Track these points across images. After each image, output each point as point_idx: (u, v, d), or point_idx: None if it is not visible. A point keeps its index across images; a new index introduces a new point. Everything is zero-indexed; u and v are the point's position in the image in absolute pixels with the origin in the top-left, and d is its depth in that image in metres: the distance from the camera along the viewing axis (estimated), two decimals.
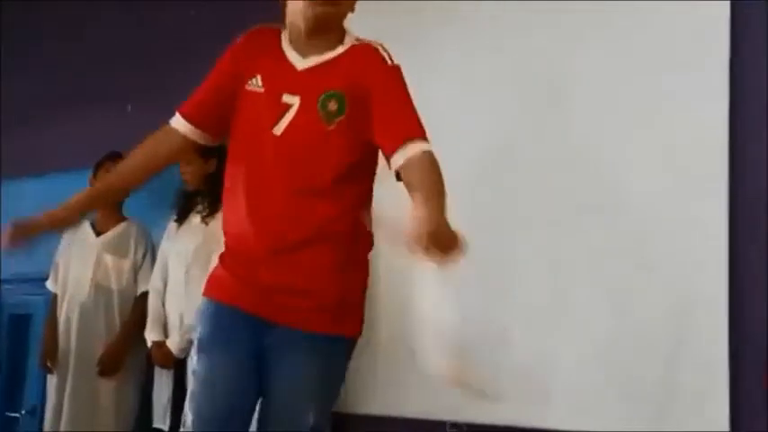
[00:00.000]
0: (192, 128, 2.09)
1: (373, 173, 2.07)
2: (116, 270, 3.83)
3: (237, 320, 2.02)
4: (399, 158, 1.92)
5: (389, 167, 1.95)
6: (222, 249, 2.10)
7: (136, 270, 3.84)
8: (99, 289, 3.81)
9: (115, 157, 3.38)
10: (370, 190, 2.09)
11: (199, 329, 2.08)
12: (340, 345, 2.05)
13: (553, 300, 2.92)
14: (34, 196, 3.92)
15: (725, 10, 2.75)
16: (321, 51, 2.05)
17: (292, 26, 2.05)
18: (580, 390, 2.82)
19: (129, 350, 3.72)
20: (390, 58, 2.03)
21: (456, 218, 1.81)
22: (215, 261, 2.13)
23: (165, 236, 3.71)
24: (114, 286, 3.82)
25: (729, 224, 2.67)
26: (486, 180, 3.08)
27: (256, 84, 2.05)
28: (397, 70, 2.02)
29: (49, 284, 3.96)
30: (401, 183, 1.95)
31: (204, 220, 3.52)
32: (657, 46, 2.85)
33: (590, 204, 2.89)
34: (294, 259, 1.99)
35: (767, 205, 2.68)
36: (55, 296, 3.91)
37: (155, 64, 4.36)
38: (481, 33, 3.22)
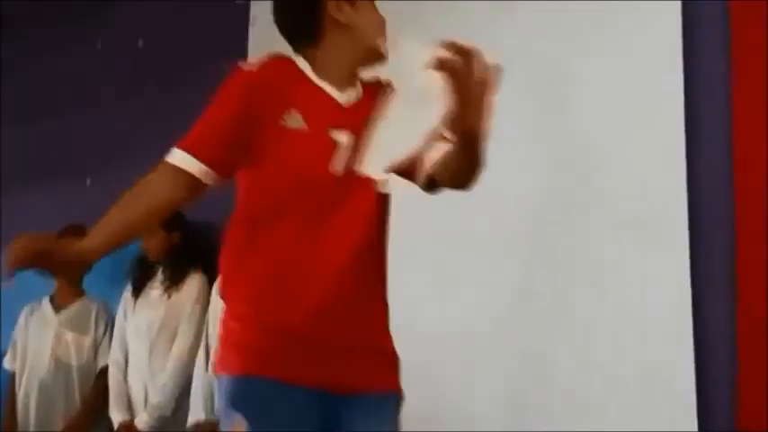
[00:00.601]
0: (203, 167, 1.76)
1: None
2: (76, 346, 3.78)
3: (305, 402, 1.68)
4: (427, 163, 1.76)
5: (421, 184, 1.81)
6: (234, 307, 1.78)
7: (96, 346, 3.79)
8: (59, 365, 3.76)
9: (76, 229, 3.32)
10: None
11: (242, 421, 1.67)
12: (399, 402, 1.83)
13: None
14: None
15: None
16: (354, 85, 1.93)
17: (342, 56, 1.90)
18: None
19: (90, 426, 3.66)
20: (390, 84, 1.91)
21: None
22: (218, 325, 1.81)
23: (120, 308, 3.67)
24: (74, 362, 3.76)
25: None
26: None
27: (297, 120, 1.82)
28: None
29: (7, 362, 3.89)
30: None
31: (167, 291, 3.51)
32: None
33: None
34: (363, 312, 1.79)
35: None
36: (13, 374, 3.85)
37: (112, 138, 4.38)
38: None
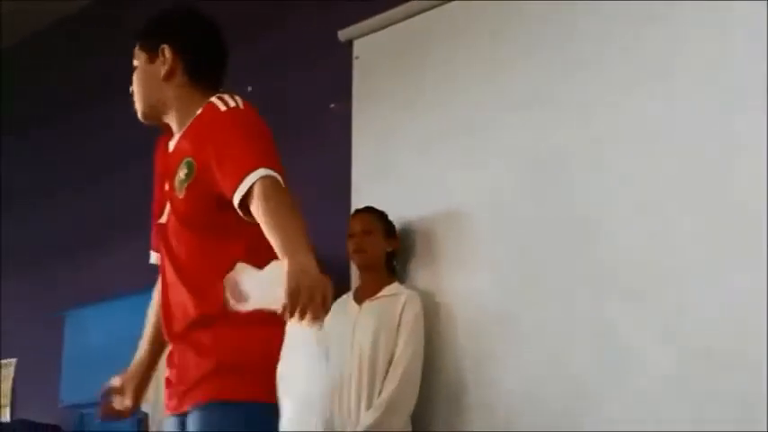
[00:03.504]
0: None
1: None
2: None
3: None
4: (238, 196, 1.85)
5: (240, 213, 1.88)
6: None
7: None
8: None
9: None
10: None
11: None
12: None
13: None
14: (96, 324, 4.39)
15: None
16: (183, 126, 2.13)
17: (169, 111, 2.17)
18: None
19: None
20: (227, 103, 2.03)
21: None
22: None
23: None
24: None
25: None
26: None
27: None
28: (230, 112, 2.00)
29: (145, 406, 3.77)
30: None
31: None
32: None
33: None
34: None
35: None
36: (146, 416, 3.81)
37: None
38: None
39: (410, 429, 3.36)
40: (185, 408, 2.01)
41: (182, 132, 2.14)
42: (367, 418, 3.31)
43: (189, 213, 2.01)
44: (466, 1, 3.73)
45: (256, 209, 1.83)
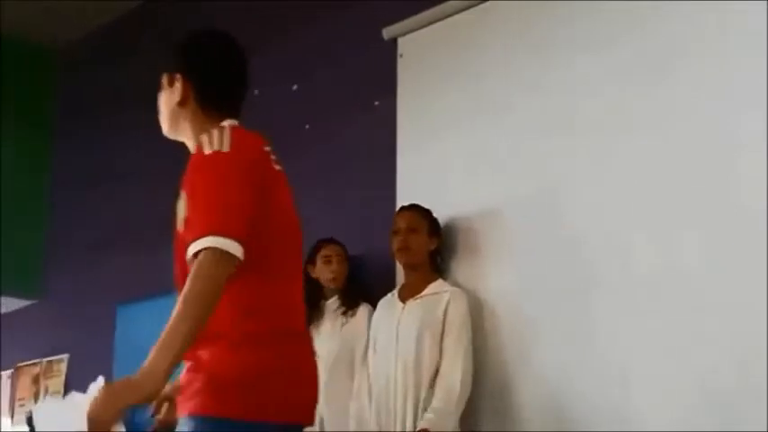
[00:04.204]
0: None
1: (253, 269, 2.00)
2: None
3: None
4: (189, 258, 1.94)
5: None
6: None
7: None
8: None
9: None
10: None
11: None
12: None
13: None
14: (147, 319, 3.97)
15: None
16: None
17: (185, 135, 2.27)
18: None
19: None
20: (213, 144, 2.05)
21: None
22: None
23: None
24: None
25: None
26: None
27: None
28: (210, 158, 2.03)
29: None
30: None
31: (344, 318, 3.79)
32: None
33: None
34: None
35: None
36: None
37: None
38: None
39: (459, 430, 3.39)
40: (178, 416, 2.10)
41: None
42: (424, 423, 3.30)
43: (186, 250, 2.01)
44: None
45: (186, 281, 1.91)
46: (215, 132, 2.08)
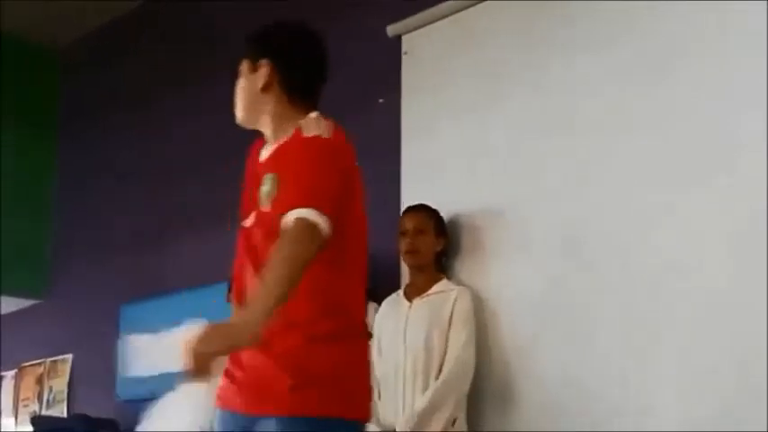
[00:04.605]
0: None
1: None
2: None
3: None
4: (283, 227, 1.96)
5: None
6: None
7: None
8: None
9: None
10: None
11: None
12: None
13: None
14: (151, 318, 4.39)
15: None
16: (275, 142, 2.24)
17: (264, 121, 2.26)
18: None
19: None
20: (313, 128, 2.13)
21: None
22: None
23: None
24: None
25: None
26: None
27: None
28: (309, 141, 2.09)
29: None
30: None
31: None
32: None
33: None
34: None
35: None
36: None
37: None
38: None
39: (464, 413, 3.37)
40: (255, 412, 2.06)
41: (273, 147, 2.23)
42: (423, 399, 3.32)
43: (273, 226, 2.02)
44: None
45: (275, 244, 1.95)
46: (315, 119, 2.16)
